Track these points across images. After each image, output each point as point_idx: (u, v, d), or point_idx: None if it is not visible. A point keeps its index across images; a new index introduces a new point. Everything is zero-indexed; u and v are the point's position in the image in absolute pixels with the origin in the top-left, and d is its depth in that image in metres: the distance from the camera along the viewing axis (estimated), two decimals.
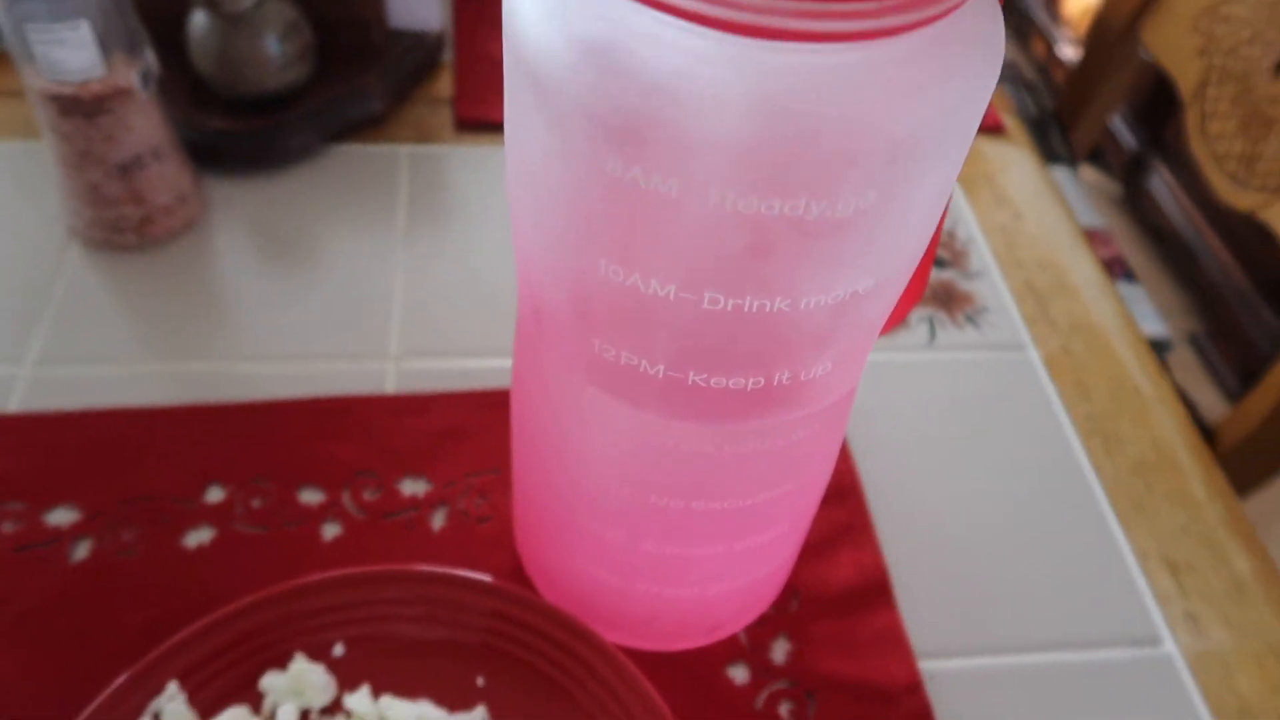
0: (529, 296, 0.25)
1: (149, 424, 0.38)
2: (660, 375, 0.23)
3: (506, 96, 0.21)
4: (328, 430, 0.39)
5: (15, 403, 0.39)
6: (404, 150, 0.52)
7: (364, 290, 0.45)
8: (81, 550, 0.35)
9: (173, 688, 0.29)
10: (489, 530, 0.36)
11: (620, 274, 0.21)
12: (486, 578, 0.32)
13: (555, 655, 0.30)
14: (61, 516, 0.35)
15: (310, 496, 0.37)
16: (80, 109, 0.42)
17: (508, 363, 0.42)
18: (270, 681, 0.30)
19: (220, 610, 0.31)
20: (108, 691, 0.29)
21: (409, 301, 0.44)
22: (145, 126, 0.44)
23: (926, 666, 0.34)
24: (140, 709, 0.29)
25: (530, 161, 0.21)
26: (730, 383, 0.23)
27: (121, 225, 0.45)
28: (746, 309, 0.21)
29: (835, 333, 0.22)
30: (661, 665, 0.33)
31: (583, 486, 0.27)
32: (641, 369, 0.23)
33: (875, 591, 0.35)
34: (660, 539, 0.27)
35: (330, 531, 0.36)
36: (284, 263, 0.46)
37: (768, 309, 0.21)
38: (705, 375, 0.23)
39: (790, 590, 0.35)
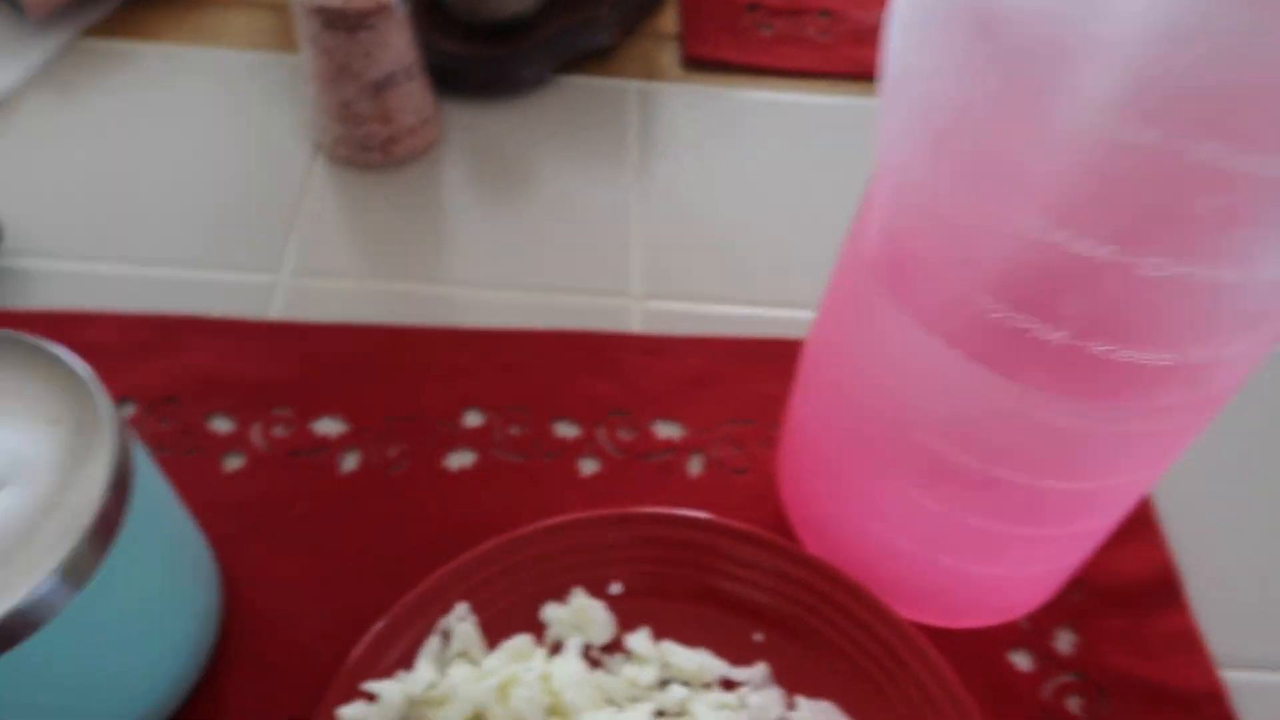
0: (886, 244, 0.24)
1: (408, 342, 0.38)
2: (1057, 342, 0.21)
3: (900, 36, 0.20)
4: (581, 365, 0.38)
5: (276, 311, 0.39)
6: (632, 85, 0.51)
7: (600, 226, 0.44)
8: (350, 462, 0.35)
9: (463, 609, 0.29)
10: (747, 482, 0.36)
11: (1045, 228, 0.20)
12: (772, 535, 0.31)
13: (844, 624, 0.30)
14: (329, 427, 0.36)
15: (566, 430, 0.37)
16: (344, 23, 0.41)
17: (753, 312, 0.41)
18: (552, 613, 0.30)
19: (504, 535, 0.31)
20: (399, 606, 0.29)
21: (646, 241, 0.44)
22: (400, 45, 0.43)
23: (1229, 677, 0.32)
24: (429, 626, 0.29)
25: (937, 100, 0.19)
26: (1140, 357, 0.21)
27: (368, 143, 0.45)
28: (1193, 279, 0.19)
29: (1276, 312, 0.20)
30: (941, 642, 0.32)
31: (911, 453, 0.26)
32: (1033, 334, 0.22)
33: (1166, 591, 0.33)
34: (990, 514, 0.26)
35: (588, 467, 0.36)
36: (519, 191, 0.45)
37: (1218, 281, 0.19)
38: (1113, 348, 0.21)
39: (1074, 580, 0.33)
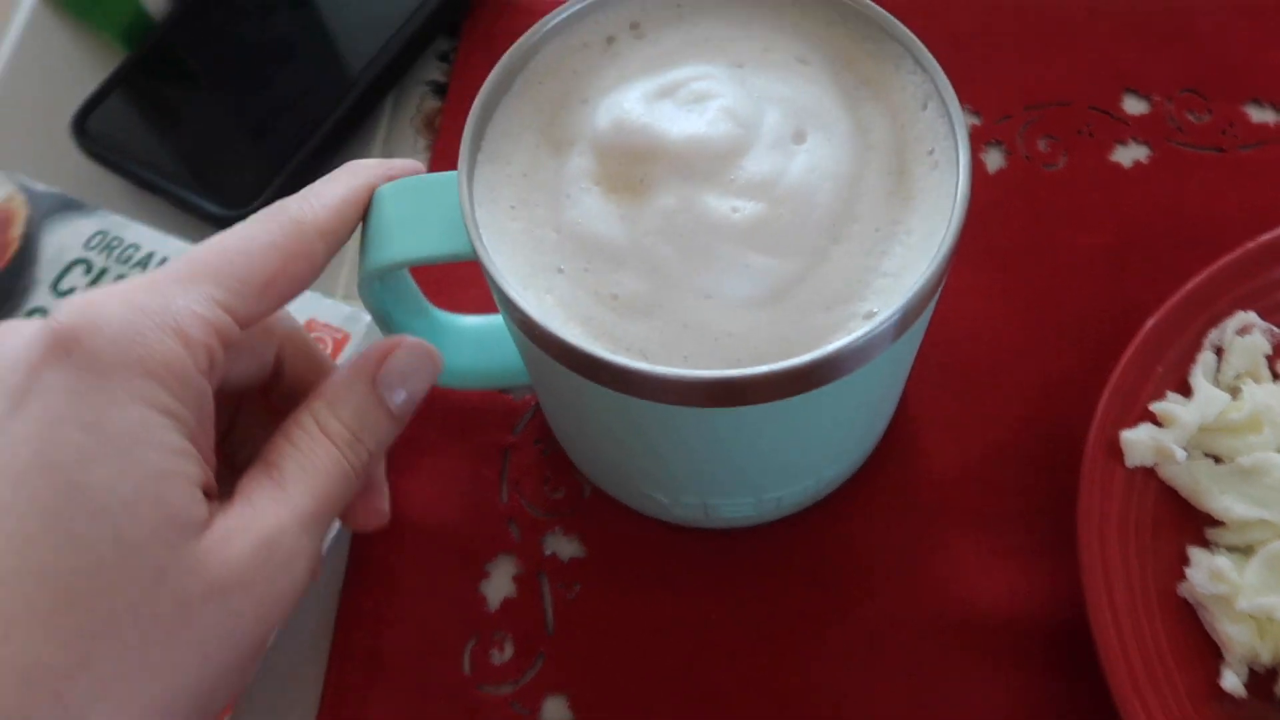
0: None
1: (1029, 10, 0.31)
2: None
3: None
4: (1265, 33, 0.30)
5: None
6: None
7: None
8: (994, 159, 0.29)
9: (1245, 318, 0.24)
10: None
11: None
12: None
13: None
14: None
15: (1263, 115, 0.29)
16: None
17: None
18: None
19: (1270, 233, 0.24)
20: (1158, 317, 0.24)
21: None
22: None
23: None
24: (1198, 341, 0.24)
25: None
26: None
27: None
28: None
29: None
30: None
31: None
32: None
33: None
34: None
35: None
36: None
37: None
38: None
39: None
